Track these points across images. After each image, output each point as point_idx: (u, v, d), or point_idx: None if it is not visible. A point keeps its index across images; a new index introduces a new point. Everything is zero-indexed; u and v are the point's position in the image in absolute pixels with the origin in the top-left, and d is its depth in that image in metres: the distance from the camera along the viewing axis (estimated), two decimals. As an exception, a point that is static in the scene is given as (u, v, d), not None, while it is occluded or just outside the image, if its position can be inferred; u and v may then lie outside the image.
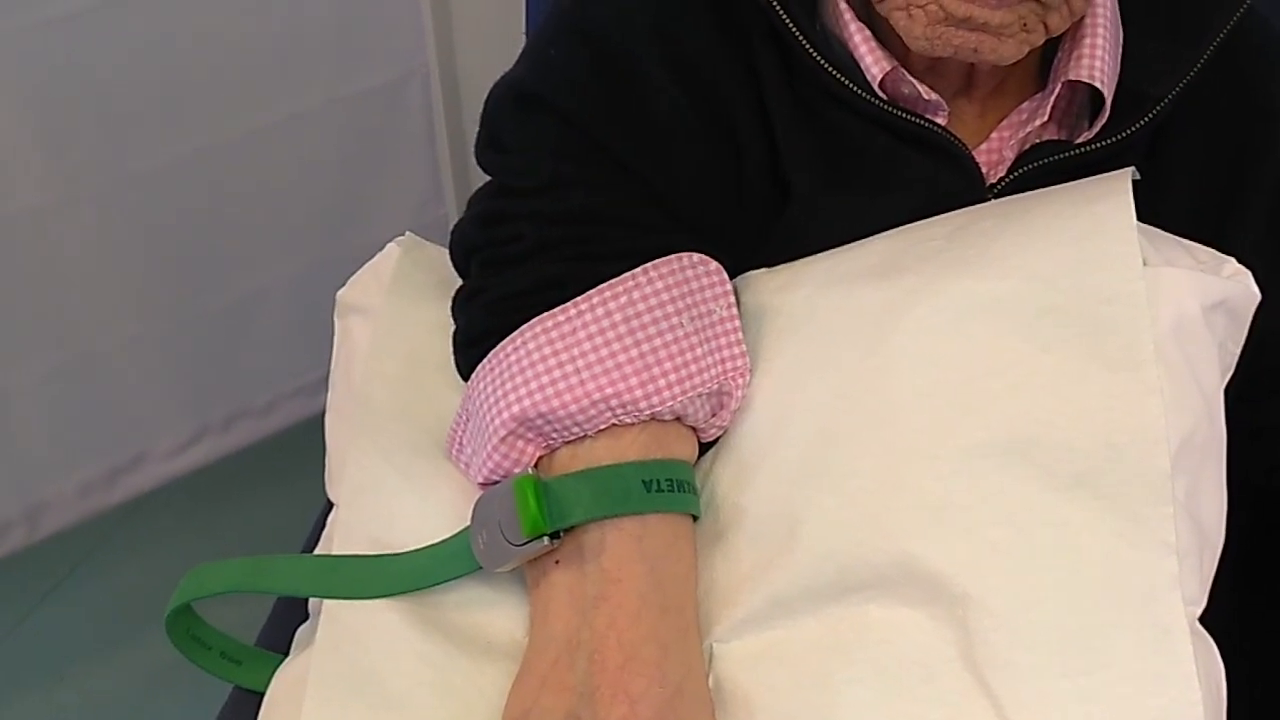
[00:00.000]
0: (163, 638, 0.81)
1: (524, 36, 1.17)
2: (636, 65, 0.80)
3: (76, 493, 1.60)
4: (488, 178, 0.85)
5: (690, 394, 0.72)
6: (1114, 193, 0.73)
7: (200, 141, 1.49)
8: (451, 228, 0.84)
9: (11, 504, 1.55)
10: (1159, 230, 0.74)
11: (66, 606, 1.74)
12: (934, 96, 0.79)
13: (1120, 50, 0.80)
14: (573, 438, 0.73)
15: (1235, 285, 0.73)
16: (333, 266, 1.64)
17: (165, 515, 1.76)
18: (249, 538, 1.76)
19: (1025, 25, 0.75)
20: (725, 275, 0.76)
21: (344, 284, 0.90)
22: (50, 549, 1.62)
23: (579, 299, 0.73)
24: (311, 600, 0.81)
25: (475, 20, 1.63)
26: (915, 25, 0.75)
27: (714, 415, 0.75)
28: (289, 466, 1.72)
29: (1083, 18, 0.79)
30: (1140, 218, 0.72)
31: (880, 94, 0.79)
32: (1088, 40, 0.78)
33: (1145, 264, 0.71)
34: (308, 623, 0.81)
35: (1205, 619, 0.67)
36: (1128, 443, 0.67)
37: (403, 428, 0.80)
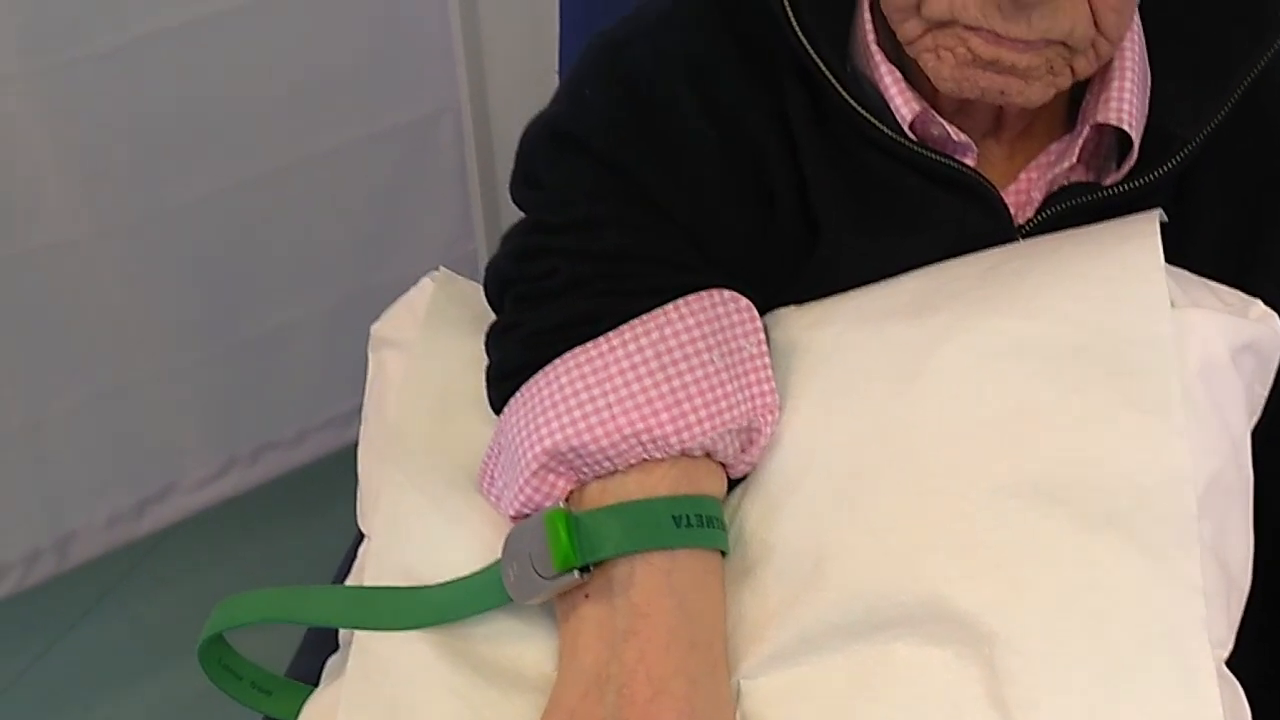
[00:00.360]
0: (189, 668, 0.82)
1: (556, 75, 1.19)
2: (670, 107, 0.81)
3: (105, 523, 1.61)
4: (518, 214, 0.86)
5: (720, 430, 0.73)
6: (1142, 234, 0.74)
7: (234, 176, 1.50)
8: (481, 263, 0.85)
9: (41, 533, 1.56)
10: (1186, 272, 0.74)
11: (93, 636, 1.75)
12: (963, 138, 0.80)
13: (1148, 93, 0.81)
14: (603, 472, 0.73)
15: (1262, 327, 0.73)
16: (362, 300, 1.66)
17: (192, 546, 1.77)
18: (275, 570, 1.77)
19: (1052, 68, 0.75)
20: (755, 312, 0.77)
21: (373, 317, 0.91)
22: (78, 578, 1.63)
23: (611, 334, 0.74)
24: (342, 631, 0.82)
25: (507, 58, 1.65)
26: (944, 67, 0.76)
27: (743, 451, 0.76)
28: (317, 499, 1.73)
29: (1111, 61, 0.80)
30: (1168, 259, 0.72)
31: (910, 135, 0.80)
32: (1116, 83, 0.79)
33: (1173, 305, 0.71)
34: (338, 653, 0.82)
35: (1231, 662, 0.67)
36: (1155, 484, 0.67)
37: (435, 460, 0.81)
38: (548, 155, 0.83)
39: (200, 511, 1.67)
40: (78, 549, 1.60)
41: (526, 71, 1.65)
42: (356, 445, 0.88)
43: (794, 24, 0.79)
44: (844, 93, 0.79)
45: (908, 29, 0.77)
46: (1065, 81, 0.77)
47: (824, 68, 0.79)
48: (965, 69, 0.76)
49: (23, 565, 1.56)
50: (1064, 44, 0.74)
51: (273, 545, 1.81)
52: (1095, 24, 0.73)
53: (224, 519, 1.72)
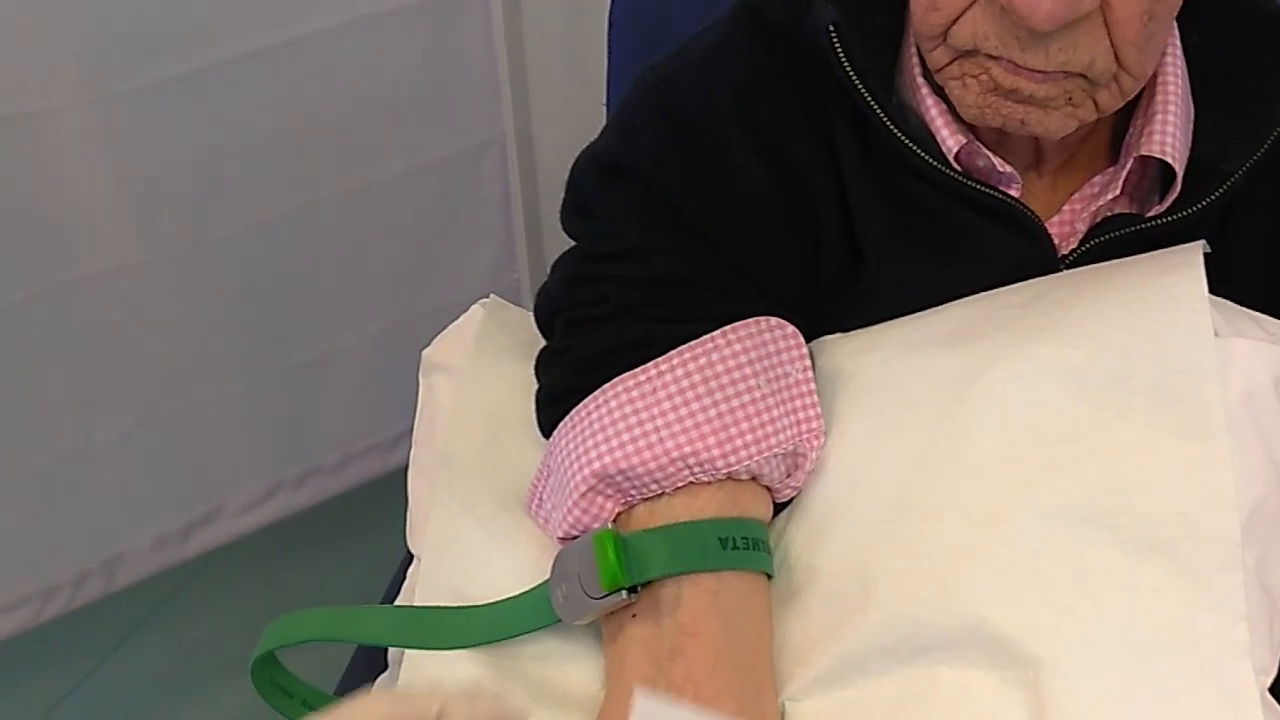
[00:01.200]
0: (233, 689, 0.83)
1: (603, 107, 1.20)
2: (718, 139, 0.83)
3: (152, 545, 1.63)
4: (562, 245, 0.88)
5: (766, 454, 0.74)
6: (1186, 265, 0.74)
7: (284, 204, 1.53)
8: (524, 292, 0.87)
9: (89, 554, 1.58)
10: (1230, 302, 0.75)
11: (140, 656, 1.76)
12: (1008, 169, 0.81)
13: (1191, 126, 0.82)
14: (651, 495, 0.75)
15: (1306, 357, 0.74)
16: (406, 329, 1.69)
17: (237, 569, 1.79)
18: (317, 593, 1.78)
19: (1071, 100, 0.76)
20: (801, 339, 0.78)
21: (417, 346, 0.92)
22: (125, 599, 1.65)
23: (660, 359, 0.75)
24: (391, 650, 0.83)
25: (552, 90, 1.67)
26: (968, 94, 0.77)
27: (789, 476, 0.77)
28: (360, 524, 1.75)
29: (1154, 94, 0.80)
30: (1211, 290, 0.73)
31: (955, 166, 0.81)
32: (1159, 116, 0.80)
33: (1216, 335, 0.72)
34: (387, 672, 0.83)
35: (1275, 688, 0.68)
36: (1198, 510, 0.68)
37: (484, 483, 0.82)
38: (599, 184, 0.85)
39: (245, 535, 1.69)
40: (125, 570, 1.61)
41: (570, 104, 1.67)
42: (397, 471, 0.89)
43: (841, 58, 0.80)
44: (890, 124, 0.80)
45: (936, 57, 0.78)
46: (1087, 114, 0.78)
47: (871, 100, 0.80)
48: (987, 97, 0.77)
49: (71, 586, 1.58)
50: (1084, 76, 0.75)
51: (315, 569, 1.83)
52: (1116, 58, 0.74)
53: (268, 542, 1.74)
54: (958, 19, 0.75)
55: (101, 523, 1.58)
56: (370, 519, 1.55)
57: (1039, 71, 0.74)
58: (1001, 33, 0.74)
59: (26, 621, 1.56)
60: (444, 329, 0.93)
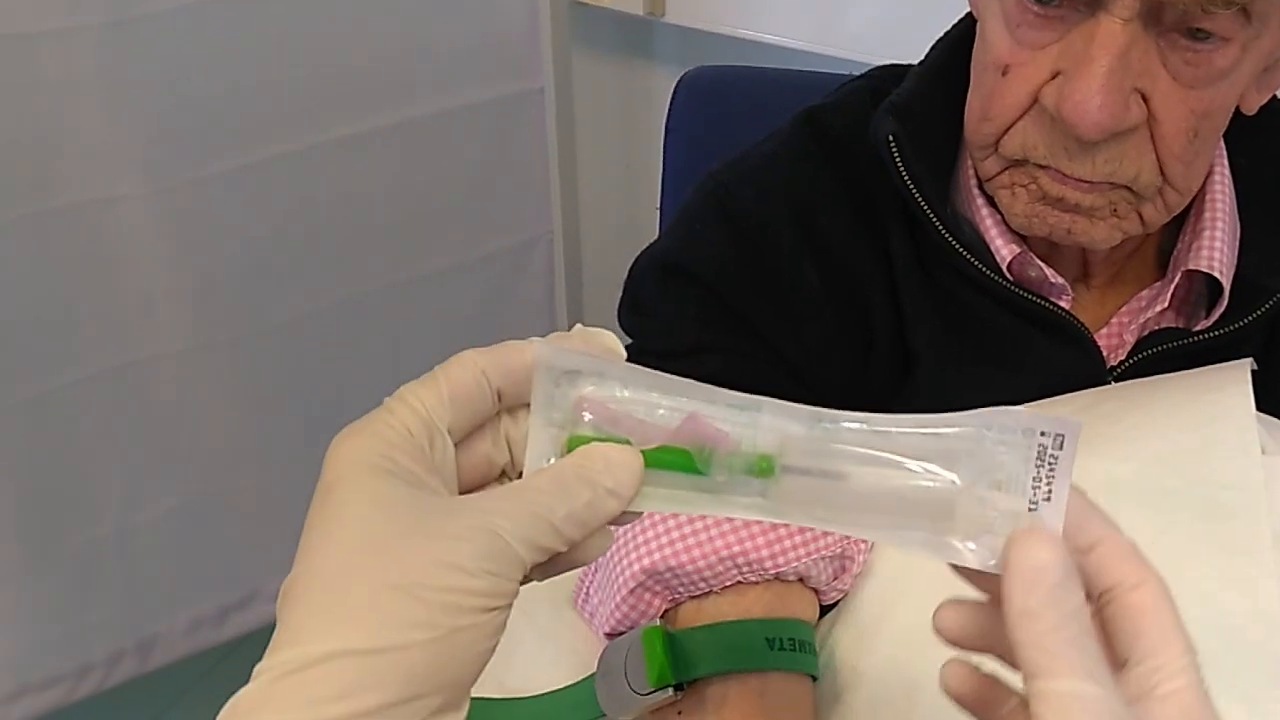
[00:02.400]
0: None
1: (654, 211, 1.23)
2: (776, 247, 0.84)
3: (187, 628, 1.63)
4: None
5: (814, 556, 0.75)
6: (1234, 382, 0.75)
7: (333, 296, 1.56)
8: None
9: (125, 635, 1.59)
10: (1277, 420, 0.76)
11: (170, 738, 1.76)
12: (1060, 280, 0.82)
13: (1238, 244, 0.83)
14: (698, 593, 0.75)
15: (1352, 475, 0.74)
16: (448, 420, 1.70)
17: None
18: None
19: (1116, 211, 0.78)
20: (851, 443, 0.79)
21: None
22: (156, 681, 1.65)
23: (712, 459, 0.76)
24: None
25: (599, 192, 1.70)
26: (1017, 203, 0.79)
27: (836, 578, 0.77)
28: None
29: (1203, 211, 0.82)
30: (1259, 406, 0.74)
31: (1008, 275, 0.82)
32: (1207, 232, 0.81)
33: (1264, 452, 0.72)
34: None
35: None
36: (1243, 625, 0.68)
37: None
38: (658, 285, 0.87)
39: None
40: (159, 652, 1.62)
41: (617, 206, 1.70)
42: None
43: (900, 168, 0.82)
44: (945, 233, 0.82)
45: (987, 166, 0.80)
46: (1132, 227, 0.79)
47: (927, 209, 0.82)
48: (1035, 206, 0.79)
49: (105, 666, 1.59)
50: (1129, 189, 0.77)
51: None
52: (1162, 173, 0.76)
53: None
54: (1009, 129, 0.77)
55: (138, 604, 1.59)
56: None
57: (1085, 181, 0.76)
58: (1050, 143, 0.76)
59: (59, 700, 1.56)
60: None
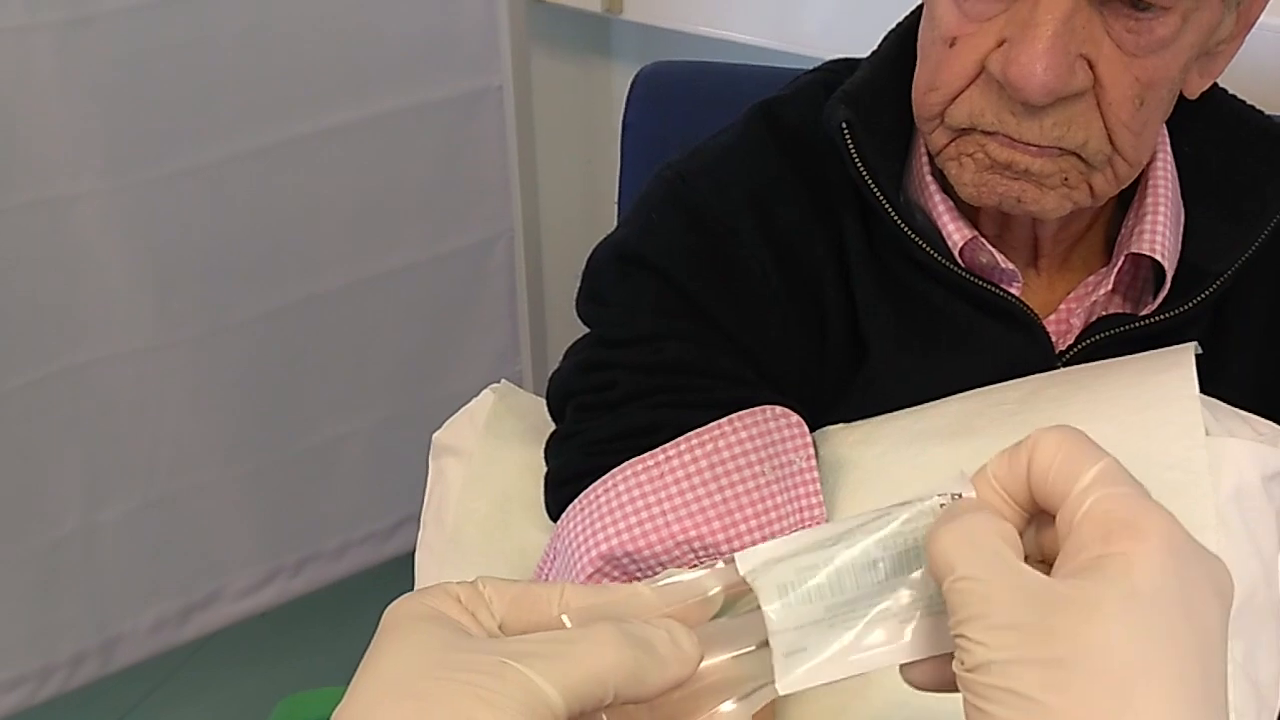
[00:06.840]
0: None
1: (612, 205, 1.24)
2: (732, 236, 0.86)
3: (150, 628, 1.63)
4: (566, 337, 0.90)
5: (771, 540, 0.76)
6: (1178, 365, 0.77)
7: (294, 293, 1.56)
8: (526, 383, 0.89)
9: (88, 636, 1.59)
10: (1220, 402, 0.77)
11: (132, 740, 1.76)
12: (1010, 266, 0.83)
13: (1182, 228, 0.84)
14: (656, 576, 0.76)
15: (1294, 456, 0.76)
16: (409, 417, 1.71)
17: (233, 654, 1.79)
18: (312, 680, 1.77)
19: (1067, 180, 0.79)
20: (806, 428, 0.80)
21: (418, 434, 0.94)
22: (120, 682, 1.65)
23: (668, 445, 0.78)
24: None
25: (559, 189, 1.71)
26: (965, 172, 0.80)
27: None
28: (355, 612, 1.75)
29: (1145, 195, 0.83)
30: (1203, 388, 0.75)
31: (959, 261, 0.84)
32: (1149, 216, 0.83)
33: (1207, 434, 0.74)
34: None
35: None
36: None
37: (491, 564, 0.84)
38: (615, 274, 0.87)
39: (242, 620, 1.69)
40: (122, 652, 1.62)
41: (577, 202, 1.71)
42: (393, 560, 0.90)
43: (853, 155, 0.83)
44: (897, 219, 0.83)
45: (935, 139, 0.81)
46: (1082, 197, 0.80)
47: (880, 196, 0.83)
48: (984, 174, 0.79)
49: (68, 667, 1.58)
50: (1079, 156, 0.78)
51: (311, 655, 1.83)
52: (1111, 141, 0.77)
53: (264, 628, 1.74)
54: (955, 98, 0.78)
55: (101, 604, 1.58)
56: (367, 607, 1.55)
57: (1034, 145, 0.77)
58: (998, 108, 0.77)
59: (22, 702, 1.56)
60: (449, 417, 0.95)
